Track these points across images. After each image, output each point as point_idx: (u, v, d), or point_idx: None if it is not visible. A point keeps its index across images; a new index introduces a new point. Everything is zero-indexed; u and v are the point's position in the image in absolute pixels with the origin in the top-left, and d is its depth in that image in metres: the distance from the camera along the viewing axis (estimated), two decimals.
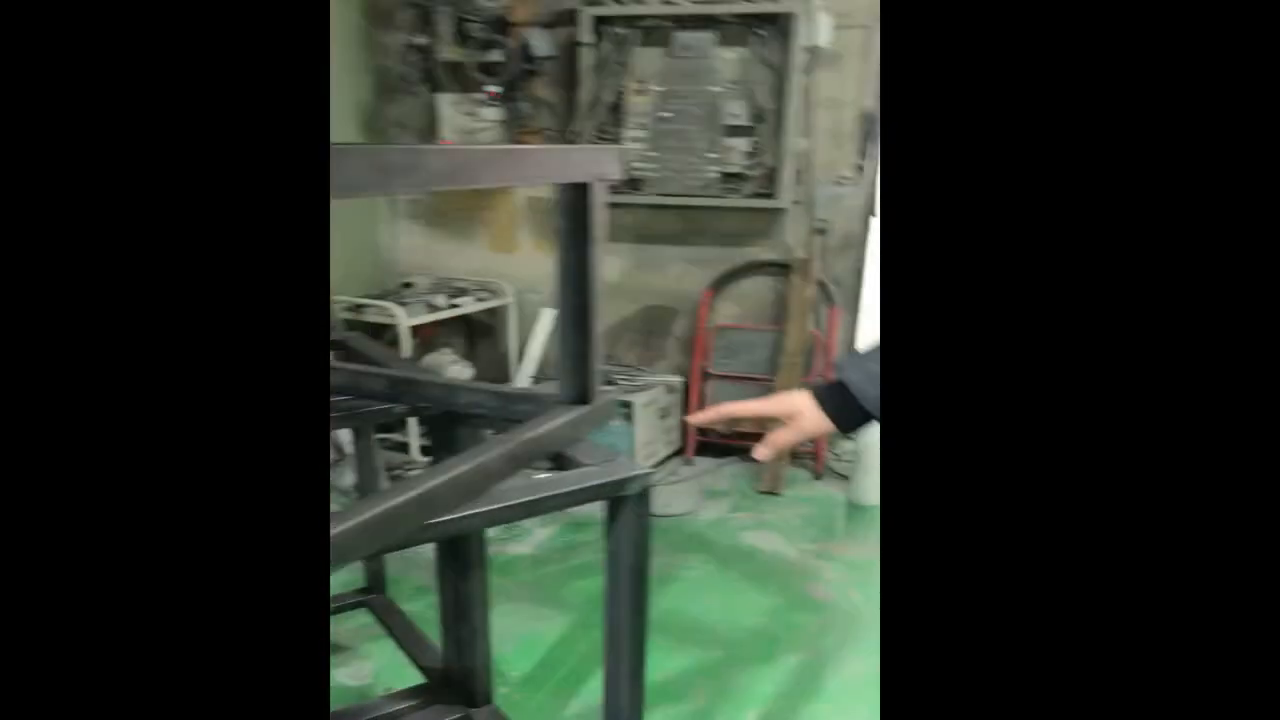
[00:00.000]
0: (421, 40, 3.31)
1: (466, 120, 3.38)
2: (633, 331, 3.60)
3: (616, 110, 3.30)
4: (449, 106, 3.38)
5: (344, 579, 2.17)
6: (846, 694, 2.00)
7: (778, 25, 3.07)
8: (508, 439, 0.97)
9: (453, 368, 3.48)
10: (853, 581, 2.54)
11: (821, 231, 3.25)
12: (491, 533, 2.03)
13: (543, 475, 1.00)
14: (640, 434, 3.25)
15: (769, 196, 3.23)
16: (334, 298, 2.87)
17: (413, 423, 3.13)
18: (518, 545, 2.73)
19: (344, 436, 2.91)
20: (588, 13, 3.16)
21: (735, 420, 1.02)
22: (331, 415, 1.38)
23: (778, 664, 2.12)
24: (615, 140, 3.30)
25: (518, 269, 3.66)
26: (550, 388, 1.12)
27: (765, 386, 3.37)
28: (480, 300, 3.49)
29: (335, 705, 1.69)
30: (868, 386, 0.90)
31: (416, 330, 3.16)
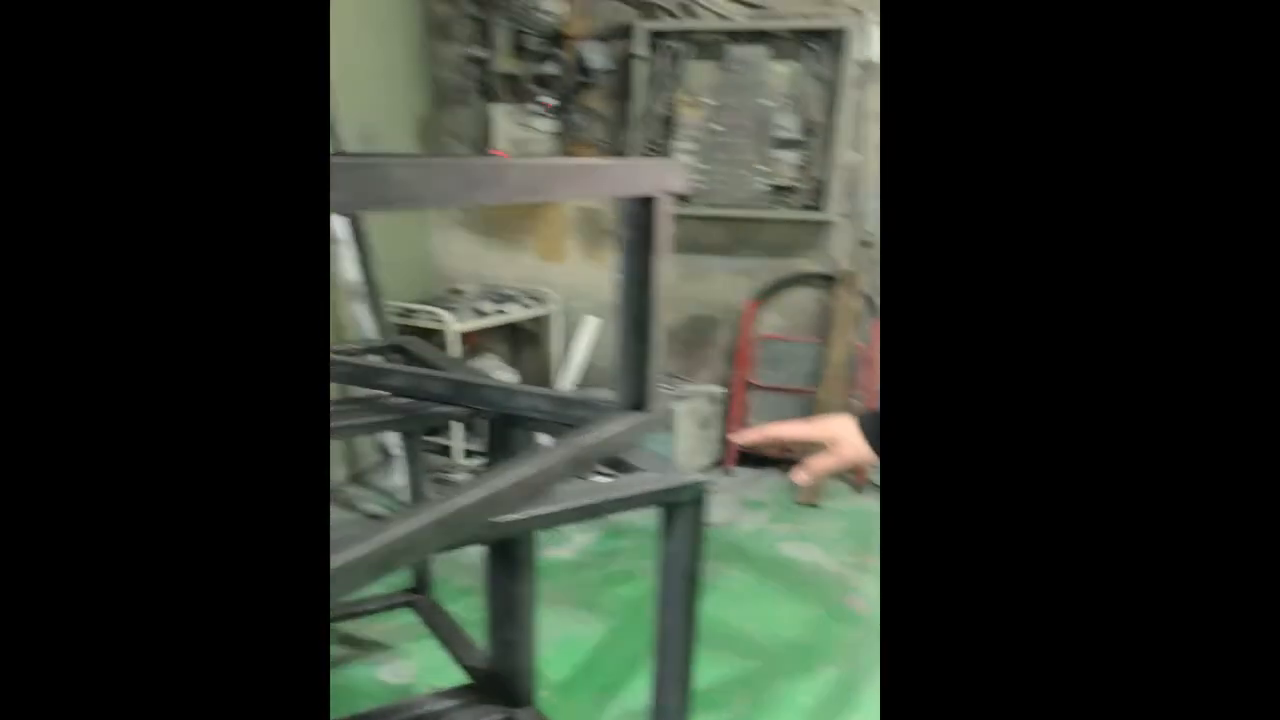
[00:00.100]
0: (479, 52, 3.37)
1: (519, 131, 3.44)
2: (676, 341, 3.62)
3: (668, 123, 3.33)
4: (503, 117, 3.45)
5: (390, 578, 2.21)
6: None
7: (831, 40, 3.09)
8: (569, 443, 1.00)
9: (498, 373, 3.53)
10: None
11: (869, 244, 3.25)
12: None
13: (602, 479, 1.03)
14: (681, 443, 3.27)
15: (817, 209, 3.25)
16: (386, 302, 2.93)
17: (457, 426, 3.18)
18: (558, 550, 2.76)
19: (392, 438, 2.97)
20: (643, 27, 3.21)
21: (777, 441, 1.01)
22: (392, 417, 1.43)
23: (816, 676, 2.12)
24: (666, 152, 3.33)
25: (564, 278, 3.71)
26: (600, 394, 1.15)
27: (807, 398, 3.38)
28: (527, 307, 3.54)
29: (376, 704, 1.73)
30: None
31: (464, 336, 3.22)
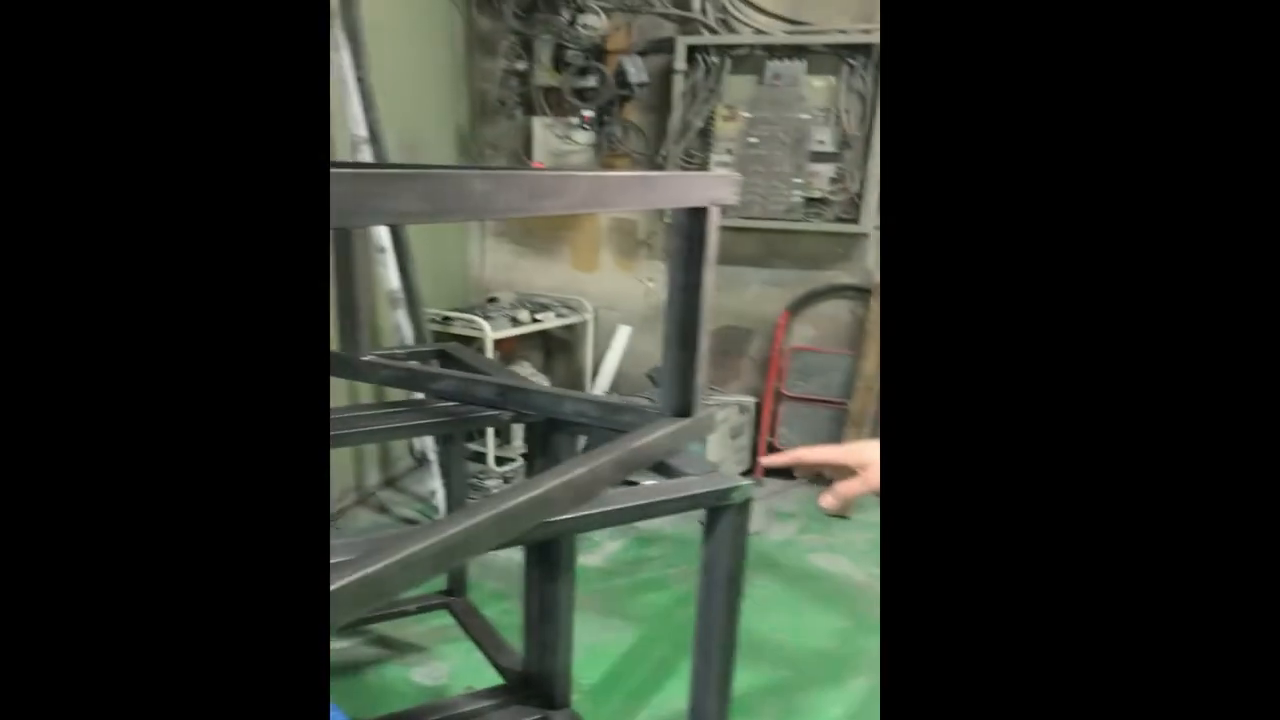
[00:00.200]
0: (520, 66, 3.43)
1: (558, 143, 3.49)
2: (709, 350, 3.64)
3: (705, 135, 3.37)
4: (542, 129, 3.50)
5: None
6: None
7: (869, 55, 3.11)
8: (616, 447, 1.03)
9: (532, 380, 3.57)
10: None
11: None
12: None
13: (648, 483, 1.06)
14: (712, 453, 3.29)
15: (852, 221, 3.26)
16: (426, 310, 2.98)
17: (489, 432, 3.22)
18: (588, 557, 2.77)
19: (428, 443, 3.01)
20: (683, 41, 3.25)
21: (807, 464, 1.00)
22: (439, 420, 1.46)
23: (846, 687, 2.12)
24: (703, 165, 3.37)
25: (597, 287, 3.75)
26: (636, 400, 1.18)
27: (839, 410, 3.39)
28: (561, 316, 3.58)
29: (409, 704, 1.76)
30: None
31: (498, 343, 3.27)
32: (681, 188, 0.96)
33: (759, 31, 3.21)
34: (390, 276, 2.83)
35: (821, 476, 0.97)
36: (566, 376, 3.87)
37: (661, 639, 2.32)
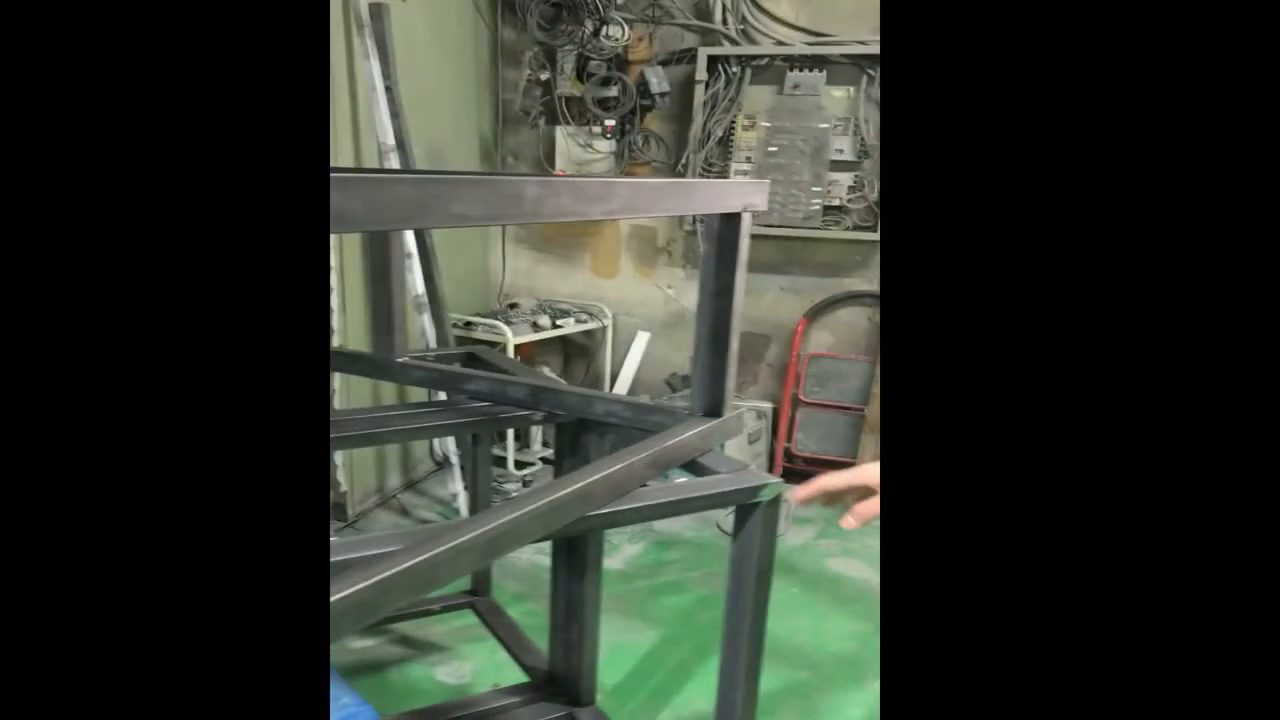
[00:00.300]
0: (544, 76, 3.49)
1: (580, 151, 3.54)
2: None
3: (725, 144, 3.41)
4: (565, 138, 3.55)
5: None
6: None
7: None
8: (650, 445, 1.06)
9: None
10: None
11: None
12: None
13: (680, 480, 1.09)
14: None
15: (870, 229, 3.29)
16: (449, 315, 3.03)
17: (509, 434, 3.26)
18: (607, 560, 2.78)
19: (449, 445, 3.05)
20: (704, 52, 3.29)
21: (829, 493, 0.99)
22: (470, 420, 1.50)
23: (866, 689, 2.14)
24: (723, 173, 3.40)
25: (616, 293, 3.79)
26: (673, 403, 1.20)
27: (856, 416, 3.41)
28: (580, 322, 3.62)
29: (433, 702, 1.79)
30: None
31: (517, 348, 3.31)
32: (717, 193, 1.00)
33: (779, 42, 3.25)
34: (416, 281, 2.88)
35: (838, 498, 0.98)
36: (585, 381, 3.91)
37: (682, 641, 2.35)
